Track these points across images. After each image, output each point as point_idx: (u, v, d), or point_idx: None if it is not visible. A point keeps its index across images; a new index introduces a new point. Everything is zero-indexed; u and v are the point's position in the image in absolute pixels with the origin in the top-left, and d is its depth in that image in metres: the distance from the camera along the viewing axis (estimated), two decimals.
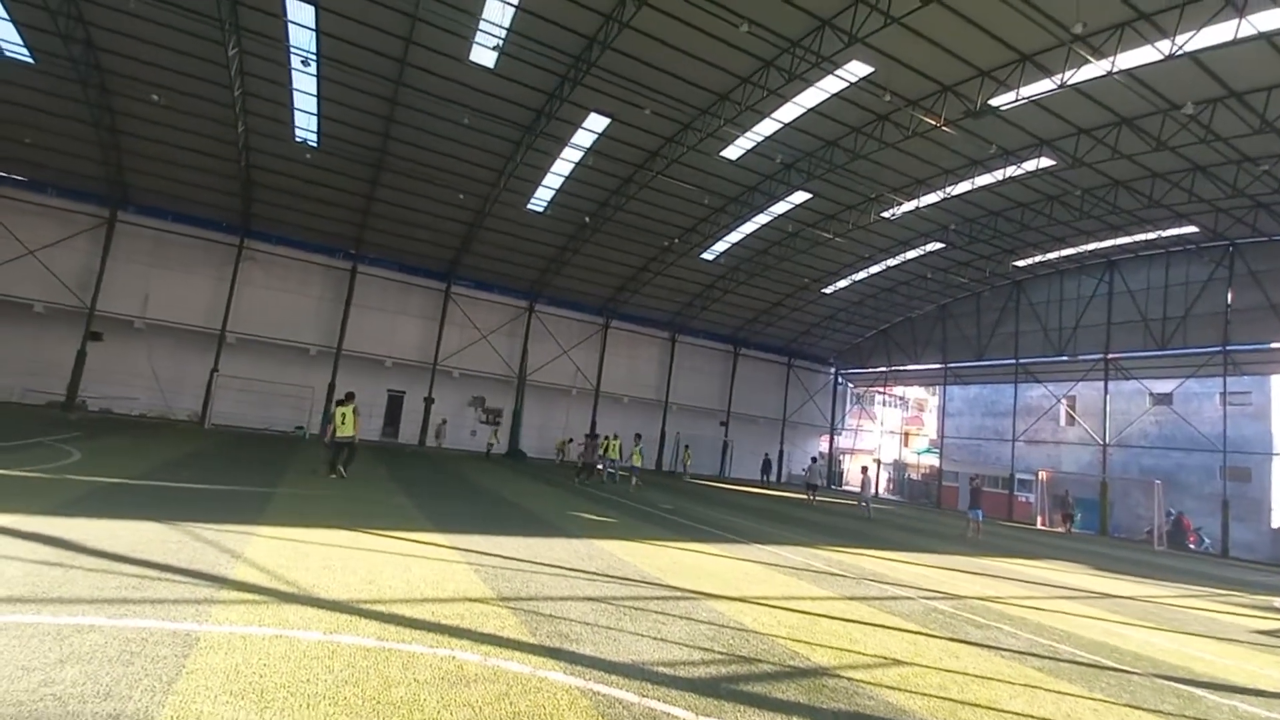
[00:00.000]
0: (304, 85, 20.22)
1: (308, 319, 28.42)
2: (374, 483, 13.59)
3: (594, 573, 7.42)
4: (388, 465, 18.39)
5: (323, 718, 3.15)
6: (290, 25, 17.88)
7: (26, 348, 24.53)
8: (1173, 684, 5.90)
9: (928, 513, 31.18)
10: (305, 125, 22.41)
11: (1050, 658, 6.22)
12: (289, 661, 3.77)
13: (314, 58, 18.65)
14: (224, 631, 4.12)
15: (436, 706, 3.42)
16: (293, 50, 18.59)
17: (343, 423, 13.60)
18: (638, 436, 24.03)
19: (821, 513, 21.28)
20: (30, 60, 19.50)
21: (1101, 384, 30.43)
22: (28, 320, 24.46)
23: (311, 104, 21.08)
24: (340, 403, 13.97)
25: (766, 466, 36.53)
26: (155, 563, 5.51)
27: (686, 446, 32.77)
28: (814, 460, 30.01)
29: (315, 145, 23.31)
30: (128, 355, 25.86)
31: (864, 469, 24.32)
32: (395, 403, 30.81)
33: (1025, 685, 5.20)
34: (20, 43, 18.90)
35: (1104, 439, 30.14)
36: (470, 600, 5.58)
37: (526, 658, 4.31)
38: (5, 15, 17.84)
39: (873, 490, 24.65)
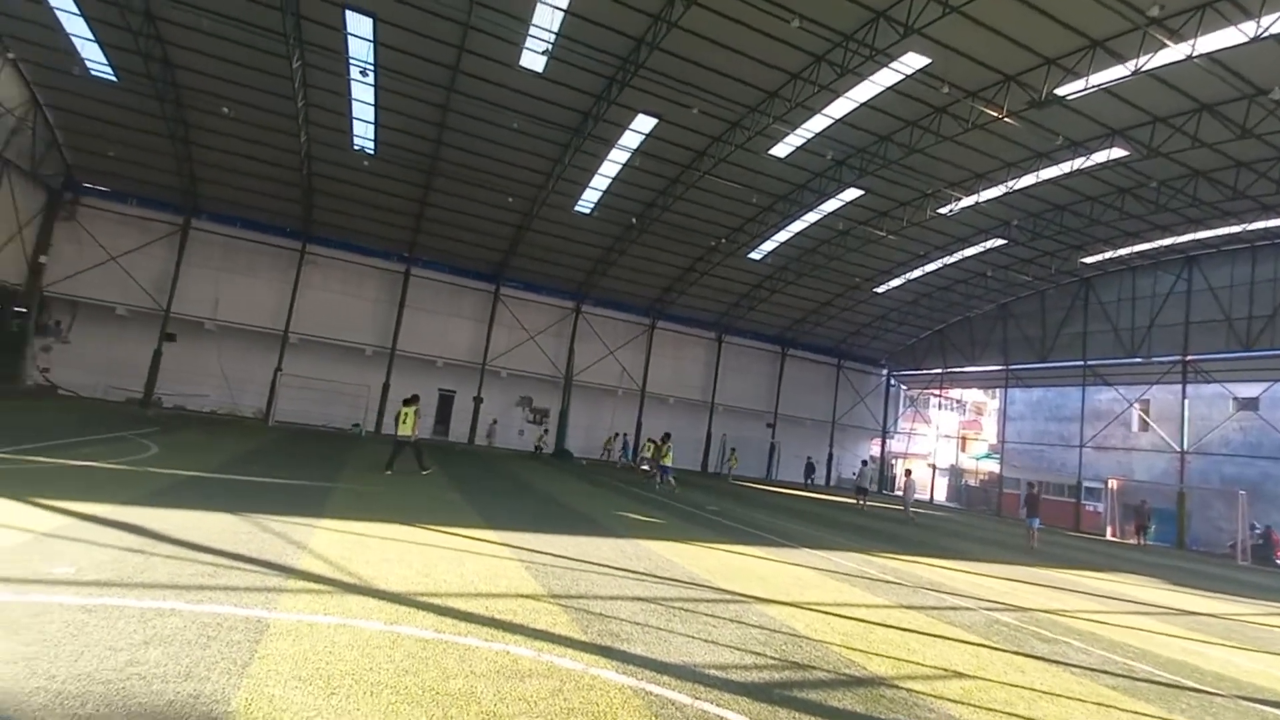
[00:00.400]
0: (362, 95, 20.98)
1: (364, 320, 29.45)
2: (427, 479, 13.94)
3: (642, 573, 7.42)
4: (440, 463, 18.82)
5: (385, 706, 3.24)
6: (350, 38, 18.56)
7: (109, 348, 26.22)
8: (1258, 706, 5.53)
9: (986, 520, 30.04)
10: (363, 134, 23.25)
11: (1125, 676, 5.89)
12: (353, 650, 3.90)
13: (372, 68, 19.32)
14: (292, 619, 4.30)
15: (493, 699, 3.47)
16: (352, 62, 19.32)
17: (402, 422, 14.11)
18: (667, 435, 23.78)
19: (871, 518, 20.75)
20: (114, 79, 20.84)
21: (1179, 387, 28.64)
22: (111, 322, 26.15)
23: (369, 113, 21.84)
24: (406, 402, 14.48)
25: (810, 469, 35.77)
26: (228, 552, 5.80)
27: (733, 449, 32.37)
28: (864, 464, 29.30)
29: (373, 153, 24.16)
30: (199, 355, 27.32)
31: (907, 472, 23.59)
32: (446, 402, 31.57)
33: (1098, 704, 4.94)
34: (105, 63, 20.23)
35: (1182, 446, 28.39)
36: (522, 596, 5.66)
37: (579, 655, 4.34)
38: (93, 37, 19.14)
39: (915, 494, 23.80)
